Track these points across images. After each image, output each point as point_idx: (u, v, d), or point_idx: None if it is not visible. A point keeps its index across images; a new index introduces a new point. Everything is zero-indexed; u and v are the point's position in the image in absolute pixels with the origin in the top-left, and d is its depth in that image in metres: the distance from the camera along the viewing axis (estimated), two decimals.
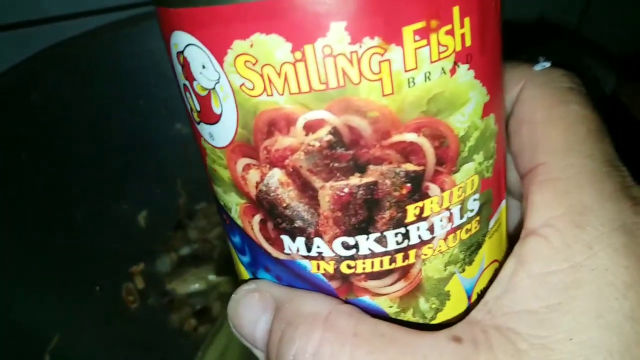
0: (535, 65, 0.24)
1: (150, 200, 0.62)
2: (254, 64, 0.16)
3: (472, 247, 0.20)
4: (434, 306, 0.21)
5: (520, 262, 0.20)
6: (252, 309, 0.20)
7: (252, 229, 0.20)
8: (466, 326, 0.19)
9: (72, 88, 0.59)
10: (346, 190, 0.18)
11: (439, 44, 0.17)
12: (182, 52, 0.18)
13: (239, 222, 0.20)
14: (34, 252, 0.51)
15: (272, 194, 0.19)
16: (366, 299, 0.20)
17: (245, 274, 0.23)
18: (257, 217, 0.20)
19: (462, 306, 0.22)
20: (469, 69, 0.18)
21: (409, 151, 0.18)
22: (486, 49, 0.18)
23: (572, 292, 0.19)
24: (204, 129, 0.19)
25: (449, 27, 0.16)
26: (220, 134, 0.19)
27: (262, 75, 0.17)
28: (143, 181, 0.63)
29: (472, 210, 0.20)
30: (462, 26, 0.17)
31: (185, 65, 0.18)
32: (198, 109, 0.19)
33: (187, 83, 0.19)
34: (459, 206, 0.19)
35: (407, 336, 0.19)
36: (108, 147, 0.62)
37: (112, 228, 0.59)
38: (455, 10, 0.16)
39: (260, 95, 0.17)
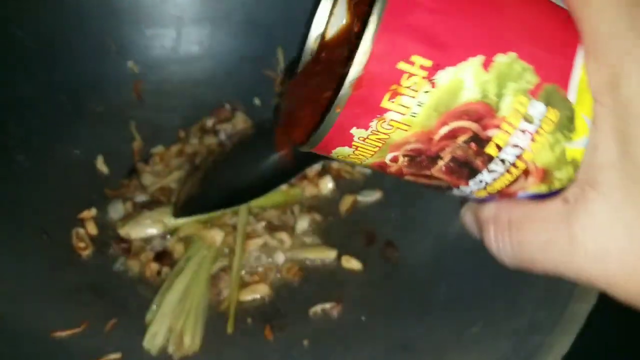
0: None
1: (100, 143, 0.58)
2: None
3: (565, 123, 0.22)
4: (566, 175, 0.23)
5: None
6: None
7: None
8: (572, 186, 0.22)
9: (10, 19, 0.54)
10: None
11: None
12: None
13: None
14: None
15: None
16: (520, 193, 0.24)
17: None
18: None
19: None
20: None
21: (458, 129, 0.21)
22: None
23: None
24: None
25: None
26: None
27: None
28: (92, 123, 0.59)
29: (540, 112, 0.21)
30: None
31: None
32: None
33: None
34: (524, 121, 0.21)
35: (535, 206, 0.23)
36: (52, 86, 0.58)
37: (59, 173, 0.55)
38: None
39: None
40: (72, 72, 0.59)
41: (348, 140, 0.22)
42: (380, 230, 0.51)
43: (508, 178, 0.23)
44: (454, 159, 0.22)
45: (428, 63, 0.20)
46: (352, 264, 0.49)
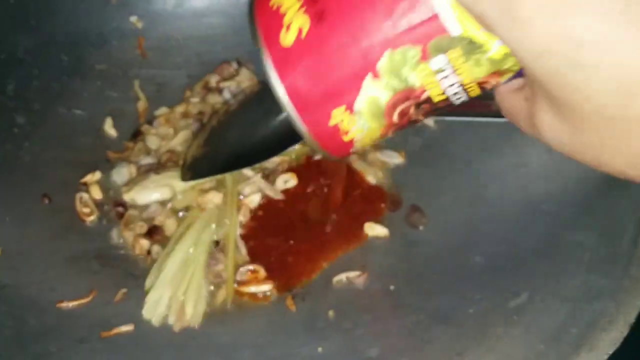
0: None
1: (103, 104, 0.55)
2: None
3: (470, 48, 0.23)
4: (512, 62, 0.23)
5: None
6: None
7: None
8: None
9: None
10: None
11: None
12: None
13: None
14: None
15: None
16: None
17: None
18: None
19: None
20: None
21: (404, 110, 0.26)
22: None
23: None
24: None
25: None
26: None
27: None
28: (94, 82, 0.56)
29: (443, 61, 0.23)
30: None
31: None
32: None
33: None
34: (438, 75, 0.24)
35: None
36: (52, 44, 0.55)
37: (61, 135, 0.52)
38: None
39: None
40: (72, 29, 0.56)
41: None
42: (405, 194, 0.48)
43: (476, 91, 0.25)
44: (425, 114, 0.26)
45: (343, 108, 0.25)
46: (376, 230, 0.46)
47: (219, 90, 0.56)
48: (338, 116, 0.26)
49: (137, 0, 0.58)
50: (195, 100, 0.56)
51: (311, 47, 0.24)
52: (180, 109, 0.55)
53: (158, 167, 0.51)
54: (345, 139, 0.26)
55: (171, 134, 0.54)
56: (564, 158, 0.44)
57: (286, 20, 0.25)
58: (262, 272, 0.44)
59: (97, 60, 0.56)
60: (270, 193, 0.48)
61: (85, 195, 0.49)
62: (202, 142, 0.51)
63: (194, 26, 0.59)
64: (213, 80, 0.57)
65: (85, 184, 0.49)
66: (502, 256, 0.41)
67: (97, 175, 0.50)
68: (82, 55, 0.56)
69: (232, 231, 0.46)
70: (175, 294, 0.43)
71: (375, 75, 0.24)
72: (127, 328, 0.41)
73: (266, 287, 0.44)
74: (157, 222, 0.48)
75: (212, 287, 0.44)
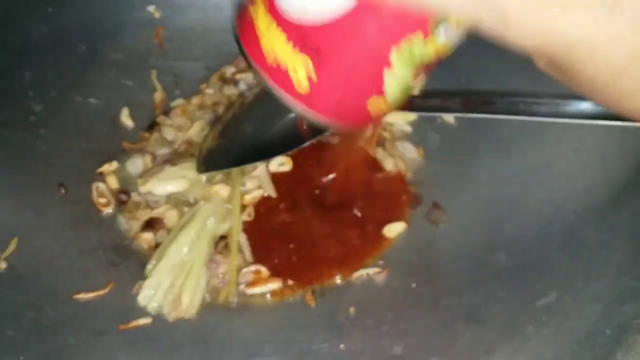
0: None
1: (120, 93, 0.54)
2: None
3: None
4: None
5: None
6: None
7: None
8: None
9: None
10: None
11: None
12: None
13: None
14: None
15: None
16: None
17: None
18: None
19: None
20: None
21: None
22: None
23: None
24: None
25: None
26: None
27: None
28: (110, 71, 0.55)
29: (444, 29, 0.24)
30: None
31: None
32: None
33: None
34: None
35: None
36: (69, 33, 0.54)
37: (77, 124, 0.52)
38: None
39: None
40: (88, 17, 0.55)
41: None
42: (425, 191, 0.48)
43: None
44: None
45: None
46: (395, 227, 0.46)
47: (235, 82, 0.56)
48: (376, 106, 0.27)
49: None
50: (210, 91, 0.55)
51: (327, 84, 0.26)
52: (196, 100, 0.55)
53: (174, 158, 0.51)
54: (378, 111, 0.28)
55: (188, 125, 0.53)
56: (588, 157, 0.44)
57: (290, 69, 0.26)
58: (264, 272, 0.44)
59: (114, 49, 0.56)
60: (269, 190, 0.48)
61: (102, 185, 0.48)
62: (218, 134, 0.50)
63: (213, 17, 0.58)
64: (229, 72, 0.56)
65: (101, 173, 0.49)
66: (527, 255, 0.40)
67: (114, 165, 0.49)
68: (98, 44, 0.55)
69: (235, 230, 0.45)
70: (173, 283, 0.42)
71: (390, 67, 0.25)
72: (145, 321, 0.41)
73: (273, 286, 0.43)
74: (160, 212, 0.47)
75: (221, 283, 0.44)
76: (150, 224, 0.46)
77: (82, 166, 0.49)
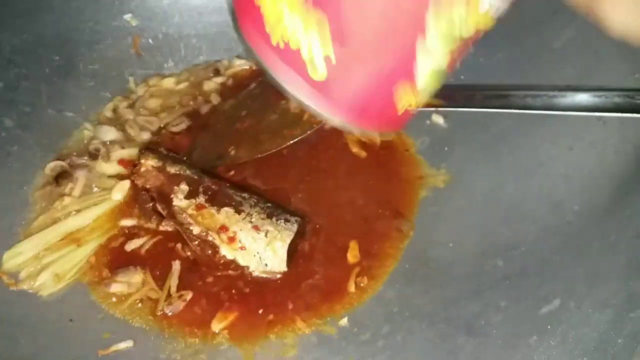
0: None
1: (94, 103, 0.53)
2: None
3: None
4: None
5: None
6: None
7: None
8: None
9: None
10: None
11: None
12: None
13: None
14: None
15: None
16: None
17: None
18: None
19: None
20: None
21: None
22: None
23: None
24: None
25: None
26: None
27: None
28: (86, 83, 0.53)
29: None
30: None
31: None
32: None
33: None
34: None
35: None
36: (42, 43, 0.52)
37: (50, 139, 0.50)
38: None
39: None
40: (63, 27, 0.53)
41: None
42: None
43: None
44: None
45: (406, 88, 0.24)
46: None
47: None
48: (404, 97, 0.24)
49: None
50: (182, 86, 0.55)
51: (348, 62, 0.21)
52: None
53: None
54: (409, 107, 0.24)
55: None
56: (583, 156, 0.42)
57: (303, 47, 0.21)
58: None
59: (91, 60, 0.54)
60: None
61: None
62: (209, 133, 0.50)
63: (191, 24, 0.56)
64: (207, 75, 0.56)
65: None
66: (525, 259, 0.38)
67: None
68: (74, 54, 0.53)
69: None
70: (38, 256, 0.43)
71: (425, 37, 0.21)
72: (125, 345, 0.38)
73: None
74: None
75: None
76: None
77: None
